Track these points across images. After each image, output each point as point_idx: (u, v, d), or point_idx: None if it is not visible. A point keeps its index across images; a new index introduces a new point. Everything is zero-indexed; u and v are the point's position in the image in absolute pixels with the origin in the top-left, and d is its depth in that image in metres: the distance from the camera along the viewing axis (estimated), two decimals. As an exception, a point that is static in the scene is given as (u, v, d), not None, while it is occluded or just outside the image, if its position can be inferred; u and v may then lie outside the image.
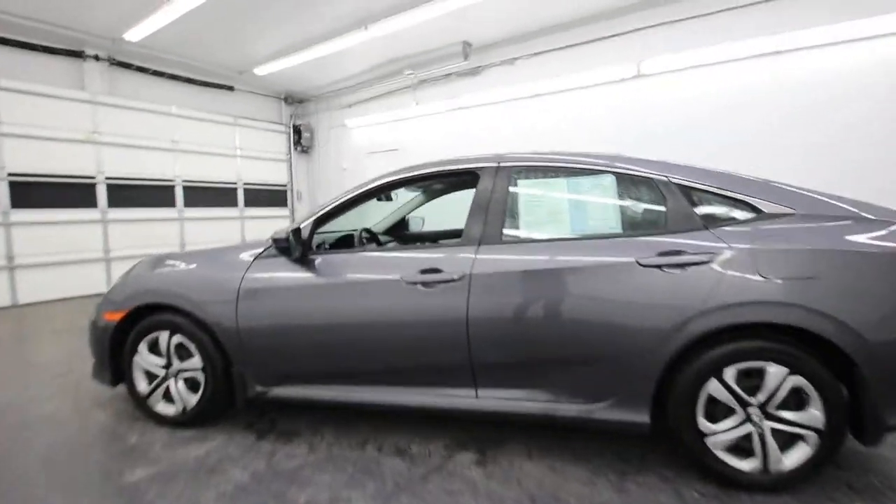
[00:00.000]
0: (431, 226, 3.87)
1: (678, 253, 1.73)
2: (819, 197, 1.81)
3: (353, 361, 2.06)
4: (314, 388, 2.13)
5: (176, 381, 2.30)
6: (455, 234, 3.53)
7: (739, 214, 1.81)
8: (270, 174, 8.31)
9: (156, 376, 2.33)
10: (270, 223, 8.22)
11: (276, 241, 2.05)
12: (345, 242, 2.66)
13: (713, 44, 4.73)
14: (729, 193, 1.83)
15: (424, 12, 4.95)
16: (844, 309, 1.58)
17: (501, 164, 2.06)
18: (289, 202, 8.69)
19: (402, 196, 3.25)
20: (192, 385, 2.28)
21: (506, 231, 1.94)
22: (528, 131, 6.03)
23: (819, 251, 1.63)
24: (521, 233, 1.96)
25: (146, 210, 6.75)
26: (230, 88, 7.53)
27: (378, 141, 7.64)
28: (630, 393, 1.78)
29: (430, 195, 3.19)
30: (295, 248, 2.05)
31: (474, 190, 2.04)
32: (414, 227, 3.71)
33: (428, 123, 6.98)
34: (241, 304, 2.12)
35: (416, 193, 3.27)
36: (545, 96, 5.93)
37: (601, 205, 1.93)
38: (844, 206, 1.77)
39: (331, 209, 2.21)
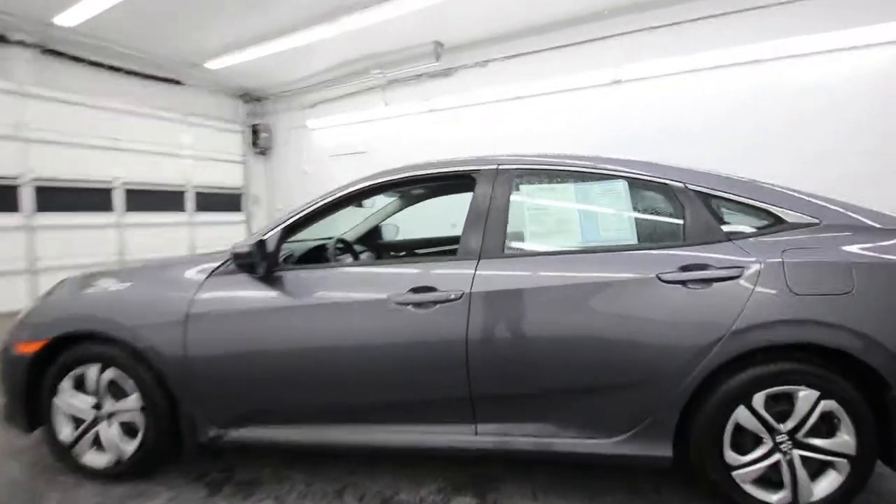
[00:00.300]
0: (404, 234, 3.59)
1: (703, 267, 1.55)
2: (839, 207, 1.68)
3: (331, 397, 1.74)
4: (282, 428, 1.80)
5: (109, 426, 1.90)
6: (440, 242, 3.28)
7: (762, 224, 1.66)
8: (224, 177, 7.74)
9: (83, 420, 1.92)
10: (224, 229, 7.65)
11: (237, 255, 1.71)
12: (315, 255, 2.33)
13: (694, 52, 4.74)
14: (750, 202, 1.67)
15: (394, 7, 4.68)
16: (881, 328, 1.45)
17: (501, 167, 1.82)
18: (244, 207, 8.13)
19: (371, 202, 2.97)
20: (129, 430, 1.89)
21: (508, 243, 1.70)
22: (502, 136, 5.87)
23: (855, 265, 1.50)
24: (527, 245, 1.72)
25: (80, 215, 6.05)
26: (179, 83, 6.95)
27: (343, 143, 7.27)
28: (651, 424, 1.58)
29: (408, 201, 2.91)
30: (260, 263, 1.71)
31: (471, 196, 1.79)
32: (387, 235, 3.41)
33: (397, 126, 6.70)
34: (191, 332, 1.76)
35: (392, 199, 2.98)
36: (519, 100, 5.81)
37: (614, 213, 1.73)
38: (862, 217, 1.65)
39: (302, 216, 1.89)
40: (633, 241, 1.66)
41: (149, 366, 1.81)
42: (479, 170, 1.83)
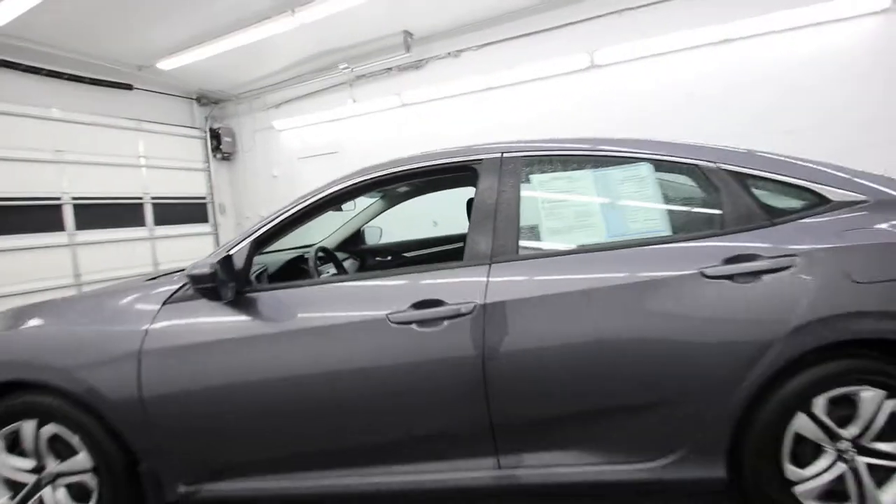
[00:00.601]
0: (388, 237, 3.31)
1: (751, 258, 1.35)
2: (882, 183, 1.51)
3: (324, 438, 1.47)
4: (269, 478, 1.52)
5: (54, 490, 1.57)
6: (431, 243, 3.01)
7: (805, 205, 1.48)
8: (185, 186, 7.23)
9: (22, 485, 1.58)
10: (189, 242, 7.17)
11: (195, 278, 1.41)
12: (293, 269, 2.04)
13: (670, 32, 4.60)
14: (790, 180, 1.49)
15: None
16: None
17: (506, 155, 1.58)
18: (210, 217, 7.65)
19: (352, 204, 2.68)
20: (78, 494, 1.56)
21: (523, 242, 1.46)
22: (478, 128, 5.64)
23: None
24: (544, 243, 1.49)
25: (24, 237, 5.50)
26: (128, 87, 6.43)
27: (312, 144, 6.91)
28: (702, 442, 1.39)
29: (393, 200, 2.64)
30: (226, 286, 1.42)
31: (474, 190, 1.54)
32: (371, 239, 3.13)
33: (368, 123, 6.39)
34: (146, 372, 1.46)
35: (374, 199, 2.70)
36: (495, 90, 5.59)
37: (640, 201, 1.51)
38: None
39: (274, 225, 1.61)
40: (666, 232, 1.45)
41: (98, 416, 1.49)
42: (480, 159, 1.58)
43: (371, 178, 1.67)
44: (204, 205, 7.53)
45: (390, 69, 6.02)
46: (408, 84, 6.01)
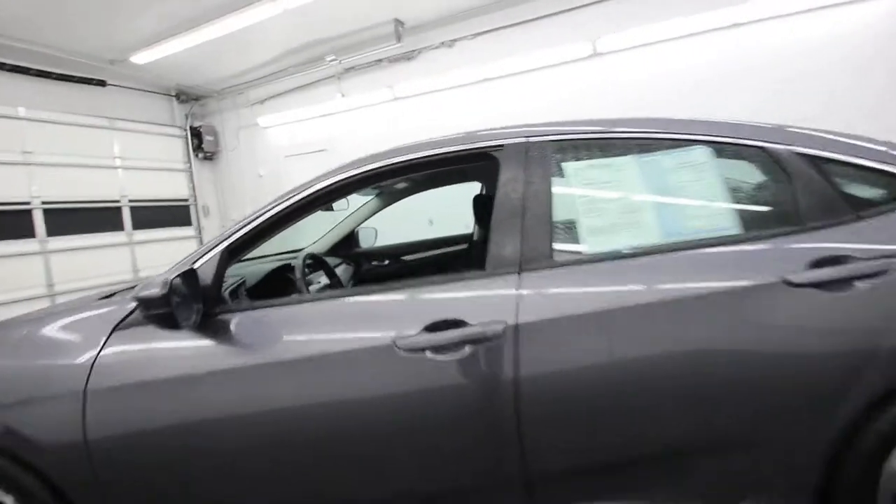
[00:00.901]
0: (382, 239, 3.02)
1: (840, 261, 1.10)
2: None
3: (316, 494, 1.18)
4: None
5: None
6: (433, 245, 2.72)
7: (892, 194, 1.22)
8: (166, 187, 6.87)
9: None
10: (171, 246, 6.81)
11: (143, 302, 1.12)
12: (277, 280, 1.74)
13: (675, 16, 4.37)
14: (877, 165, 1.23)
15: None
16: None
17: (532, 140, 1.30)
18: (194, 219, 7.29)
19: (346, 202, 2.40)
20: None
21: (558, 246, 1.19)
22: (475, 121, 5.34)
23: None
24: (584, 246, 1.22)
25: (-9, 245, 5.13)
26: (101, 83, 6.05)
27: (300, 141, 6.59)
28: (784, 487, 1.13)
29: (391, 197, 2.35)
30: (187, 309, 1.12)
31: (498, 184, 1.26)
32: (365, 242, 2.84)
33: (359, 118, 6.09)
34: (92, 418, 1.16)
35: (370, 197, 2.42)
36: (492, 81, 5.33)
37: (700, 193, 1.24)
38: None
39: (252, 229, 1.32)
40: (733, 230, 1.19)
41: (36, 472, 1.19)
42: (501, 146, 1.31)
43: (366, 172, 1.39)
44: (186, 207, 7.17)
45: (381, 61, 5.73)
46: (400, 76, 5.72)
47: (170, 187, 6.93)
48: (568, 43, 4.82)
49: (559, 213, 1.21)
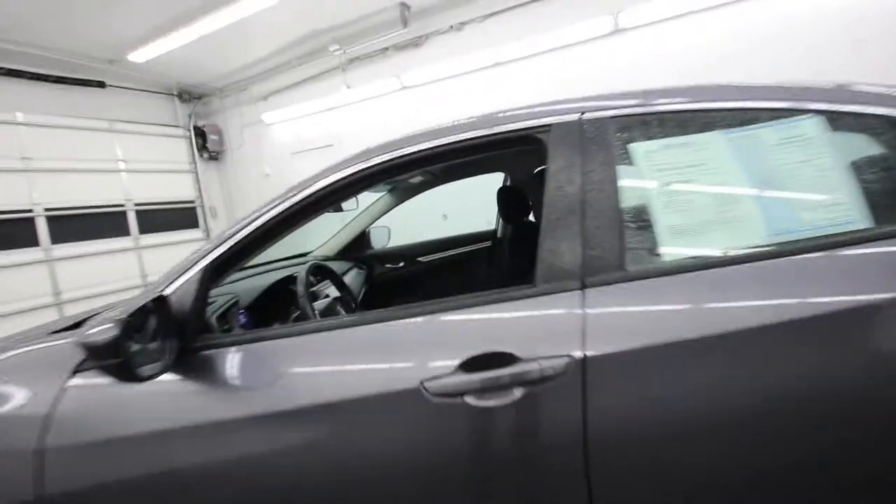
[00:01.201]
0: (397, 239, 2.76)
1: None
2: None
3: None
4: None
5: None
6: (453, 243, 2.43)
7: None
8: (171, 189, 6.70)
9: None
10: (180, 250, 6.64)
11: (90, 350, 0.86)
12: (278, 294, 1.49)
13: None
14: None
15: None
16: None
17: (589, 116, 1.02)
18: (201, 221, 7.12)
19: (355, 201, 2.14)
20: None
21: (632, 251, 0.92)
22: (489, 108, 5.07)
23: None
24: (665, 251, 0.94)
25: (-7, 255, 5.00)
26: (101, 85, 5.87)
27: (306, 137, 6.35)
28: None
29: (405, 193, 2.08)
30: (154, 351, 0.88)
31: (547, 174, 0.99)
32: (377, 242, 2.59)
33: (366, 110, 5.83)
34: (51, 485, 0.92)
35: (382, 193, 2.16)
36: (504, 66, 5.03)
37: (814, 178, 0.95)
38: None
39: (241, 240, 1.07)
40: (863, 222, 0.90)
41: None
42: (547, 125, 1.04)
43: (378, 165, 1.13)
44: (193, 209, 7.00)
45: (386, 49, 5.45)
46: (407, 64, 5.44)
47: (175, 189, 6.77)
48: (587, 19, 4.49)
49: (630, 210, 0.94)
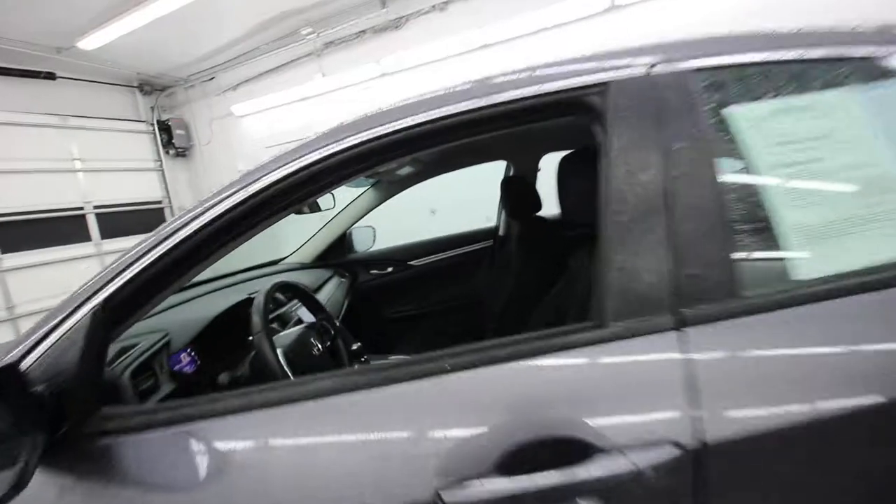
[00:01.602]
0: (384, 241, 2.42)
1: None
2: None
3: None
4: None
5: None
6: (447, 244, 2.04)
7: None
8: (135, 189, 6.22)
9: None
10: (148, 255, 6.16)
11: None
12: (229, 328, 1.14)
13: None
14: None
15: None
16: None
17: (662, 69, 0.70)
18: (171, 223, 6.64)
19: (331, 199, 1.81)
20: None
21: (739, 259, 0.60)
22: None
23: None
24: (801, 266, 0.62)
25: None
26: (51, 76, 5.36)
27: (280, 129, 5.95)
28: None
29: (394, 186, 1.74)
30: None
31: (605, 154, 0.67)
32: (360, 245, 2.25)
33: (344, 99, 5.46)
34: None
35: (365, 187, 1.82)
36: (492, 48, 4.71)
37: None
38: None
39: (152, 264, 0.72)
40: None
41: None
42: (602, 83, 0.71)
43: (354, 148, 0.80)
44: (161, 209, 6.53)
45: (364, 31, 5.07)
46: (387, 48, 5.08)
47: (140, 189, 6.28)
48: (579, -4, 4.19)
49: (739, 205, 0.62)
